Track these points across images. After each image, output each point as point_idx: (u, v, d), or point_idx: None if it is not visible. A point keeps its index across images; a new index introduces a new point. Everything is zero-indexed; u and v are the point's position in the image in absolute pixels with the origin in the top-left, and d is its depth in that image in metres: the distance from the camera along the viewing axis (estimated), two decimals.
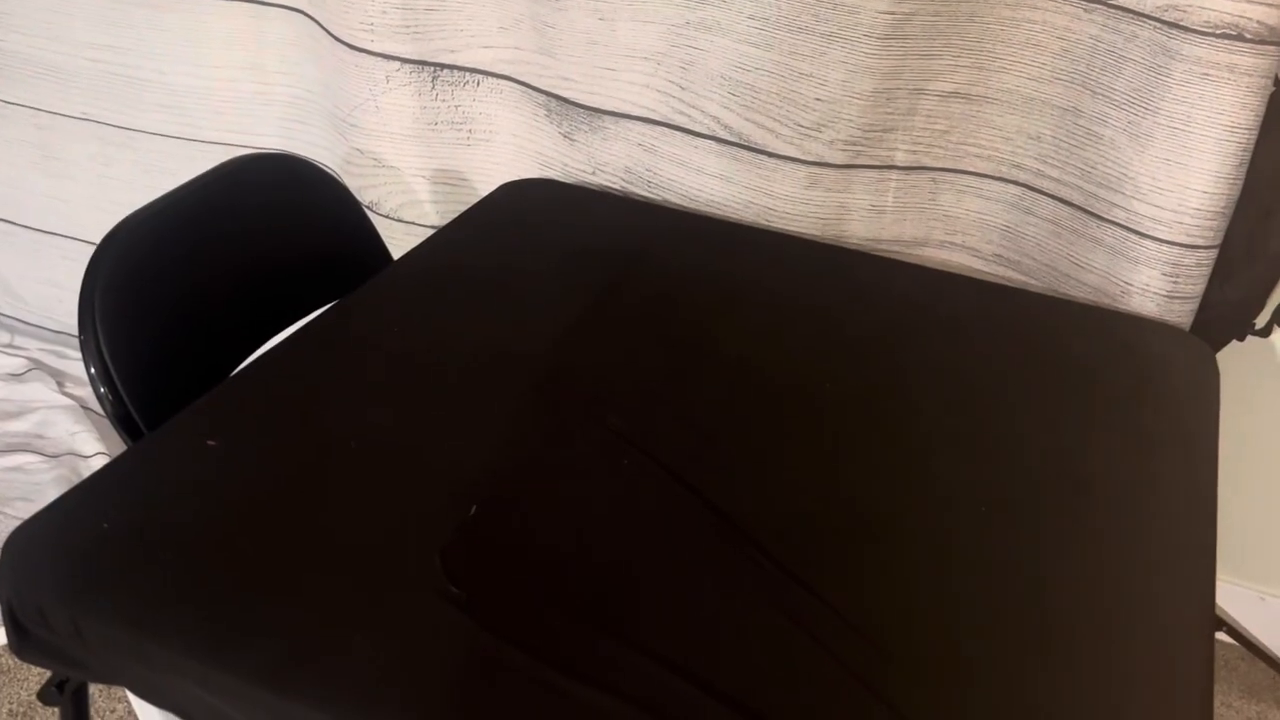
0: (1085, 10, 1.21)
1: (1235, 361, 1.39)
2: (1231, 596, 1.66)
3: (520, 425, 1.01)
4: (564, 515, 0.91)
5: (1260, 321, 1.34)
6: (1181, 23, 1.13)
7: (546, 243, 1.33)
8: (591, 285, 1.24)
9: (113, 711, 1.50)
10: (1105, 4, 1.19)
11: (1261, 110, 1.16)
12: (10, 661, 1.56)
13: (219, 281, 1.15)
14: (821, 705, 0.76)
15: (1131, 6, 1.17)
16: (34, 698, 1.51)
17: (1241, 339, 1.35)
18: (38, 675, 1.54)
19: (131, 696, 1.49)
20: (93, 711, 1.50)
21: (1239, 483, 1.52)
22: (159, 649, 0.78)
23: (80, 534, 0.85)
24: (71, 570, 0.82)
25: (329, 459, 0.95)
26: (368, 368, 1.07)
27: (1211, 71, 1.14)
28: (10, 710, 1.49)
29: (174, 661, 0.77)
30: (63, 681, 0.89)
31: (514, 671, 0.76)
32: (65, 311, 2.10)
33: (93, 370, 1.03)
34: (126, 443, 1.03)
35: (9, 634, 0.82)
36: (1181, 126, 1.18)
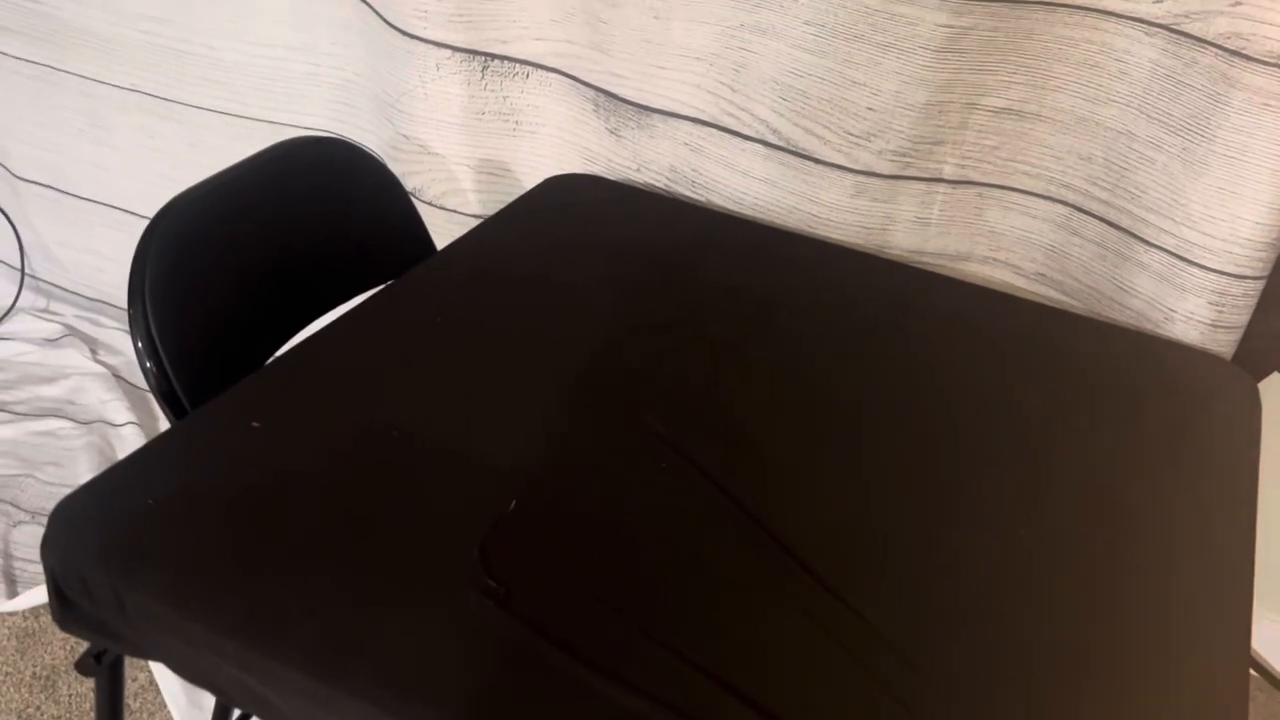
0: (1146, 34, 1.20)
1: (1276, 393, 1.38)
2: (1256, 629, 1.64)
3: (559, 422, 1.02)
4: (601, 514, 0.91)
5: None
6: (1244, 51, 1.13)
7: (590, 240, 1.33)
8: (634, 286, 1.24)
9: (133, 680, 1.52)
10: (1167, 28, 1.18)
11: None
12: (37, 624, 1.58)
13: (266, 262, 1.16)
14: (848, 716, 0.76)
15: (1194, 32, 1.16)
16: (57, 661, 1.53)
17: None
18: (62, 640, 1.56)
19: (155, 669, 1.51)
20: None
21: (1269, 513, 1.51)
22: (199, 626, 0.78)
23: (125, 508, 0.86)
24: (116, 543, 0.83)
25: (371, 446, 0.95)
26: (411, 357, 1.08)
27: (1272, 101, 1.13)
28: (35, 673, 1.51)
29: (213, 640, 0.78)
30: (100, 653, 0.90)
31: (548, 667, 0.77)
32: (103, 280, 2.12)
33: (139, 344, 1.03)
34: (169, 418, 1.03)
35: (52, 604, 0.83)
36: (1237, 155, 1.17)
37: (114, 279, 2.09)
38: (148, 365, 1.03)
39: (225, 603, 0.79)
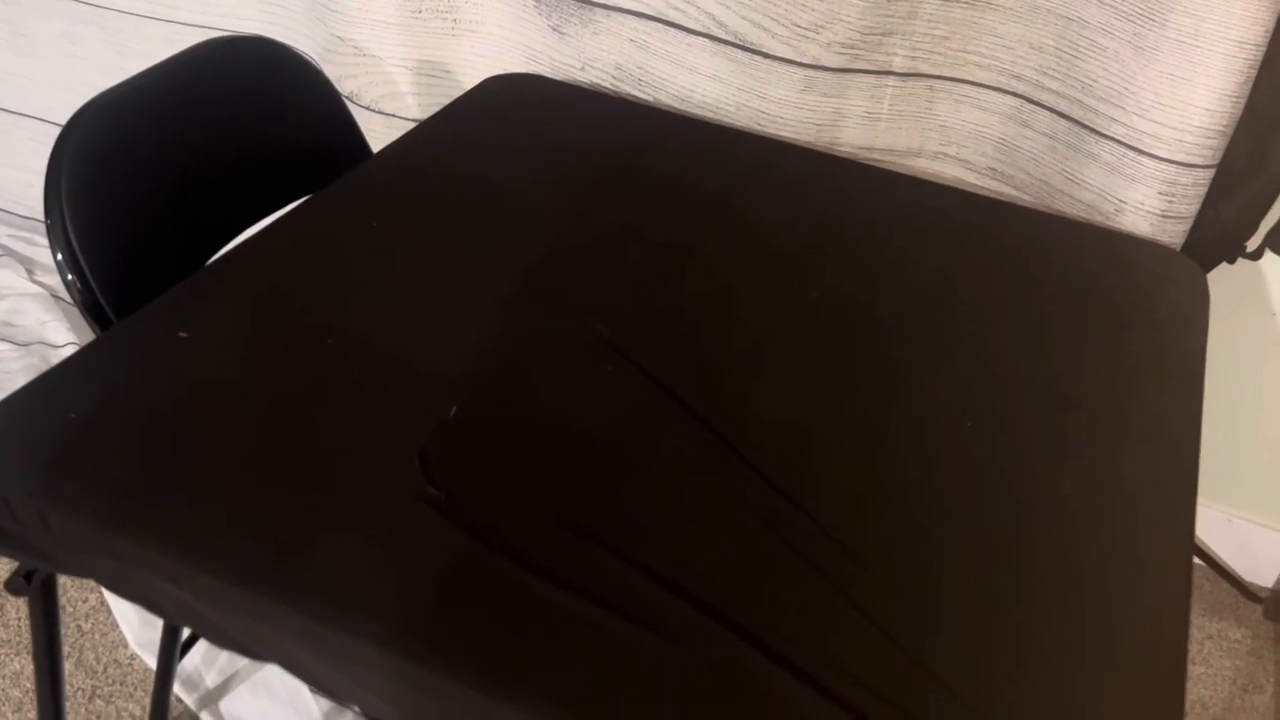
0: None
1: (1223, 283, 1.38)
2: (1199, 517, 1.67)
3: (502, 327, 0.99)
4: (544, 418, 0.89)
5: (1252, 245, 1.33)
6: None
7: (532, 141, 1.29)
8: (578, 187, 1.21)
9: (84, 601, 1.50)
10: None
11: (1271, 26, 1.12)
12: None
13: (192, 168, 1.11)
14: (796, 612, 0.76)
15: None
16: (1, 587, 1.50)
17: (1232, 261, 1.33)
18: (7, 563, 1.54)
19: (105, 589, 1.49)
20: (64, 602, 1.50)
21: (1213, 405, 1.52)
22: (127, 543, 0.76)
23: (48, 424, 0.83)
24: (39, 460, 0.80)
25: (304, 355, 0.93)
26: (345, 264, 1.05)
27: None
28: None
29: (143, 556, 0.76)
30: (31, 572, 0.88)
31: (490, 573, 0.75)
32: (33, 196, 2.05)
33: (59, 256, 0.99)
34: (95, 331, 1.00)
35: None
36: (1188, 40, 1.15)
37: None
38: (69, 278, 0.99)
39: (155, 518, 0.77)
